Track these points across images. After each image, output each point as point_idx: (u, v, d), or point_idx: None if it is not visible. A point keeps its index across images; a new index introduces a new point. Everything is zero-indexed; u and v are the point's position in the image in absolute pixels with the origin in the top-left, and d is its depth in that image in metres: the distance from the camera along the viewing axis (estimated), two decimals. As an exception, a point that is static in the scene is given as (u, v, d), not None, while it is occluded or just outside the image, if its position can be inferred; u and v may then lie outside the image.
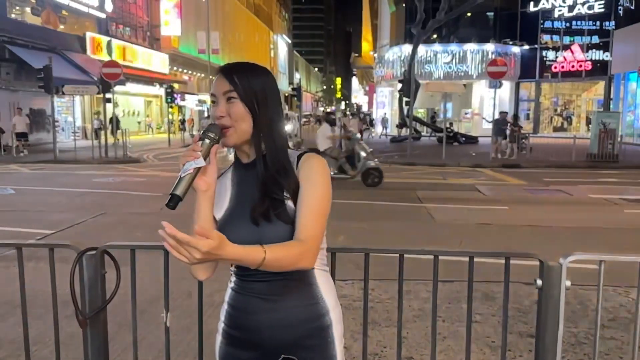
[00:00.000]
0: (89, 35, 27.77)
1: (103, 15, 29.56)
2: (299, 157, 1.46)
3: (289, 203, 1.42)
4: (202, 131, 1.39)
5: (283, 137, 1.48)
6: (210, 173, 1.38)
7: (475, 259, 2.19)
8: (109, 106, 19.92)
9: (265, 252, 1.29)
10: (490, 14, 38.78)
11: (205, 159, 1.33)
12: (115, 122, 21.98)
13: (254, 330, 1.46)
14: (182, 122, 36.42)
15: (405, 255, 2.14)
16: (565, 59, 34.94)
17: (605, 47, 32.87)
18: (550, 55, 36.01)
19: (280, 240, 1.38)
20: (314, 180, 1.41)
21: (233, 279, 1.53)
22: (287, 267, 1.35)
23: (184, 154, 1.33)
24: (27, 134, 19.54)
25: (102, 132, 19.29)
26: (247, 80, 1.42)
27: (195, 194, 1.42)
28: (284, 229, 1.40)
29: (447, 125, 23.67)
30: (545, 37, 36.04)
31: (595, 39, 33.62)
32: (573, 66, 34.61)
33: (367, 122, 36.32)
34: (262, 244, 1.32)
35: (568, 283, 1.95)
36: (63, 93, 19.65)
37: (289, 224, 1.40)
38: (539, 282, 1.98)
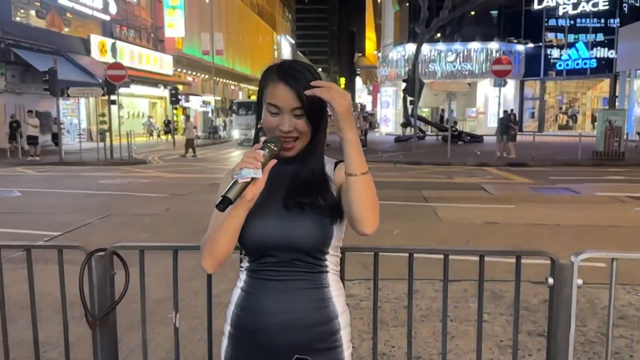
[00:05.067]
0: (93, 37, 27.84)
1: (107, 18, 29.65)
2: (337, 164, 1.50)
3: (323, 204, 1.43)
4: (263, 141, 1.39)
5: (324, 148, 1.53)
6: (259, 184, 1.36)
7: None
8: (114, 108, 19.93)
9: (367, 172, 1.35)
10: (494, 12, 38.74)
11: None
12: (15, 126, 19.43)
13: (263, 332, 1.44)
14: (167, 123, 33.04)
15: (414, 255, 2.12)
16: (570, 57, 34.81)
17: (610, 44, 32.74)
18: (555, 53, 35.92)
19: (308, 233, 1.40)
20: None
21: (243, 277, 1.50)
22: (372, 202, 1.35)
23: (244, 160, 1.33)
24: (38, 138, 18.95)
25: (107, 134, 19.30)
26: (312, 97, 1.37)
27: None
28: (313, 222, 1.40)
29: (452, 124, 23.62)
30: (550, 35, 35.94)
31: (600, 37, 33.48)
32: (578, 64, 34.49)
33: (369, 121, 36.22)
34: (290, 234, 1.39)
35: (580, 281, 1.93)
36: (68, 95, 19.65)
37: (321, 217, 1.41)
38: (551, 280, 1.95)
